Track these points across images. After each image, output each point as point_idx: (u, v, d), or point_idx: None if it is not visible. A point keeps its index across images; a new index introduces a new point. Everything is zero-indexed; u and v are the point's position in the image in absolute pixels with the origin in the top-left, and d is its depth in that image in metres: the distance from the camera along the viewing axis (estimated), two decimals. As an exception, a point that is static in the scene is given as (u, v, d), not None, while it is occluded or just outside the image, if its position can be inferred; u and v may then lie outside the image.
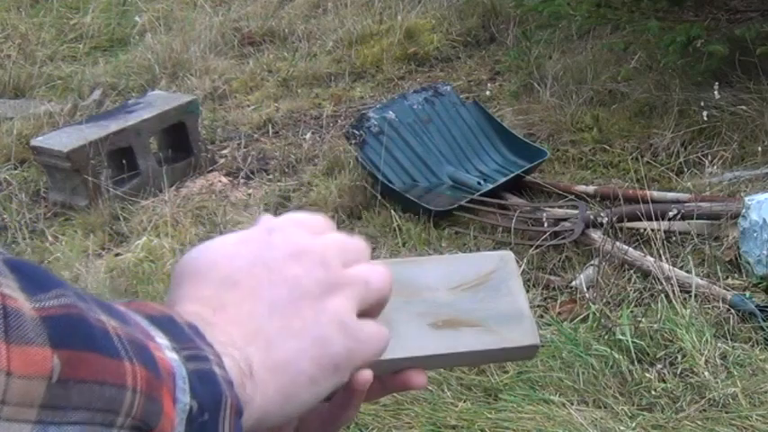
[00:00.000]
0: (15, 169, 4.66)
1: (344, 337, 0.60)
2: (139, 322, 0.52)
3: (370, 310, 0.64)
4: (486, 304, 0.75)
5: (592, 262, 3.40)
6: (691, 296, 3.06)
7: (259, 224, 0.63)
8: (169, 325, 0.54)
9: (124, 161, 4.24)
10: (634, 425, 2.61)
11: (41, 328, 0.44)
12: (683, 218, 3.49)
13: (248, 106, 5.28)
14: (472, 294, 0.75)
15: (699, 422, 2.60)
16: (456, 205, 3.85)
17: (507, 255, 0.79)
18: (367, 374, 0.67)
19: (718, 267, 3.30)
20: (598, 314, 3.01)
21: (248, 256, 0.60)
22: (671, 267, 3.20)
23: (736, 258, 3.34)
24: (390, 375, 0.71)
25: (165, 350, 0.52)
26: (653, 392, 2.72)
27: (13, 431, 0.43)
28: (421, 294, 0.74)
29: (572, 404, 2.69)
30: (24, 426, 0.43)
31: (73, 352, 0.45)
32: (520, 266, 3.40)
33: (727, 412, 2.63)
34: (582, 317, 3.09)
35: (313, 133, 4.81)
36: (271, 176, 4.44)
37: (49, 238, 3.96)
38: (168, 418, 0.50)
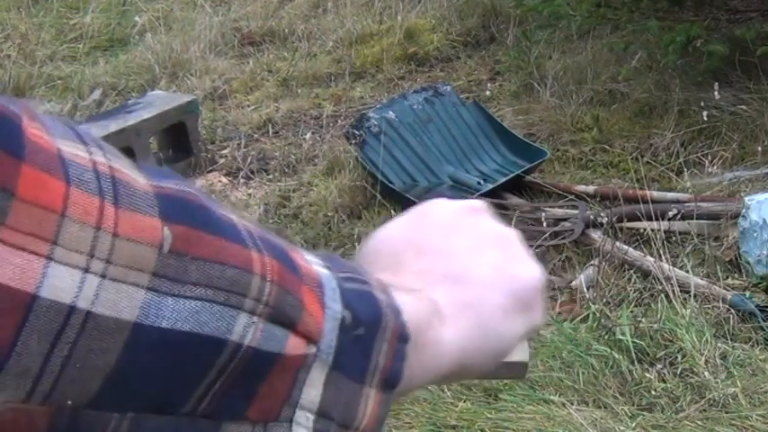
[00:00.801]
0: (15, 169, 4.66)
1: (529, 271, 0.62)
2: (284, 243, 0.52)
3: None
4: None
5: (592, 262, 3.40)
6: (691, 296, 3.06)
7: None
8: (327, 255, 0.55)
9: (124, 161, 4.23)
10: (634, 425, 2.61)
11: (152, 202, 0.45)
12: (683, 218, 3.49)
13: (248, 106, 5.28)
14: None
15: (699, 422, 2.60)
16: (456, 205, 3.85)
17: None
18: None
19: (718, 267, 3.30)
20: (598, 314, 3.01)
21: (418, 224, 0.63)
22: (671, 267, 3.20)
23: (736, 258, 3.34)
24: None
25: (312, 264, 0.52)
26: (653, 392, 2.72)
27: (124, 294, 0.43)
28: None
29: (572, 404, 2.69)
30: (136, 290, 0.43)
31: (188, 228, 0.45)
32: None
33: (727, 412, 2.63)
34: (582, 317, 3.09)
35: (313, 133, 4.81)
36: (271, 176, 4.44)
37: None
38: (313, 317, 0.49)
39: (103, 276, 0.43)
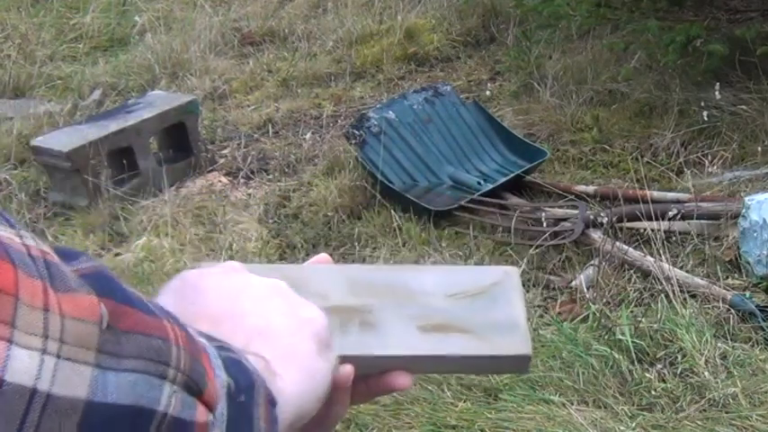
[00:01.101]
0: (15, 169, 4.66)
1: (316, 313, 0.64)
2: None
3: None
4: (481, 313, 0.74)
5: (592, 262, 3.40)
6: (690, 296, 3.06)
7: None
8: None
9: (124, 161, 4.24)
10: (634, 425, 2.61)
11: (82, 281, 0.46)
12: (683, 218, 3.48)
13: (248, 106, 5.28)
14: (469, 303, 0.75)
15: (699, 422, 2.60)
16: (456, 205, 3.85)
17: (512, 270, 0.78)
18: (348, 369, 0.68)
19: (718, 267, 3.30)
20: (598, 314, 3.01)
21: (192, 299, 0.62)
22: (671, 267, 3.20)
23: (736, 258, 3.34)
24: (375, 376, 0.71)
25: (193, 332, 0.53)
26: (653, 392, 2.72)
27: (77, 372, 0.44)
28: (416, 299, 0.74)
29: (572, 404, 2.69)
30: (85, 368, 0.44)
31: (115, 303, 0.47)
32: (520, 266, 3.40)
33: (727, 412, 2.63)
34: (582, 317, 3.09)
35: (313, 133, 4.81)
36: (271, 176, 4.44)
37: (49, 238, 3.96)
38: (212, 384, 0.50)
39: (59, 357, 0.43)
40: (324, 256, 0.79)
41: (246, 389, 0.53)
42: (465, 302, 0.75)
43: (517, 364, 0.75)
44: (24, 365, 0.42)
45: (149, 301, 0.50)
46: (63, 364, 0.43)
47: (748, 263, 3.27)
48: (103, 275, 0.48)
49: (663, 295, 3.05)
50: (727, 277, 3.26)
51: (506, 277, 0.77)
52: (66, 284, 0.45)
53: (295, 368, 0.59)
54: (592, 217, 3.54)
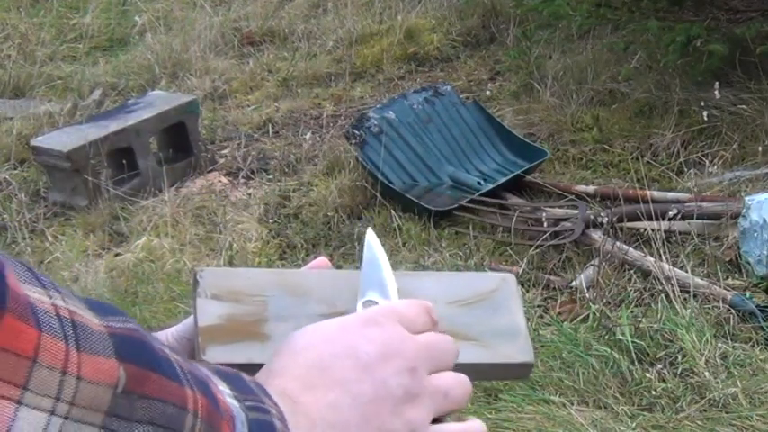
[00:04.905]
0: (15, 169, 4.66)
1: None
2: (202, 368, 0.55)
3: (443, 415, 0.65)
4: (482, 320, 0.75)
5: (592, 262, 3.40)
6: (691, 296, 3.06)
7: (359, 313, 0.66)
8: (234, 378, 0.57)
9: (124, 161, 4.24)
10: (634, 425, 2.61)
11: (108, 342, 0.48)
12: (683, 218, 3.48)
13: (248, 106, 5.28)
14: (470, 310, 0.75)
15: (699, 422, 2.60)
16: (456, 205, 3.85)
17: (509, 277, 0.79)
18: None
19: (718, 267, 3.29)
20: (598, 314, 3.01)
21: (343, 345, 0.62)
22: (671, 267, 3.20)
23: (737, 258, 3.34)
24: None
25: (225, 395, 0.54)
26: (653, 392, 2.71)
27: None
28: None
29: (572, 404, 2.69)
30: (90, 428, 0.46)
31: (137, 368, 0.48)
32: (520, 266, 3.40)
33: (727, 412, 2.63)
34: (582, 317, 3.09)
35: (313, 133, 4.81)
36: (271, 176, 4.44)
37: (49, 238, 3.96)
38: None
39: (66, 418, 0.45)
40: (322, 259, 0.78)
41: None
42: (466, 310, 0.75)
43: (520, 371, 0.76)
44: (30, 427, 0.44)
45: (182, 366, 0.51)
46: (69, 425, 0.45)
47: (748, 263, 3.27)
48: (133, 339, 0.49)
49: (663, 295, 3.05)
50: (728, 277, 3.26)
51: (504, 284, 0.77)
52: (91, 346, 0.47)
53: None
54: (592, 217, 3.54)
